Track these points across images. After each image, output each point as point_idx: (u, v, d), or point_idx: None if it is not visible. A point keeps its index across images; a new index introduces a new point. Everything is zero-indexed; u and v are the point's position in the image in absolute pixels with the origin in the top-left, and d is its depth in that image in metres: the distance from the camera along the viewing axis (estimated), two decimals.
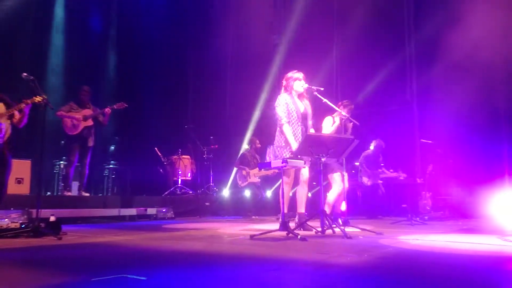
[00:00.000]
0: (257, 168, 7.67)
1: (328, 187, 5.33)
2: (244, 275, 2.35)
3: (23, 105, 4.51)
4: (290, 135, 4.59)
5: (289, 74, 4.87)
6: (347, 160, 5.31)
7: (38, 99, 4.49)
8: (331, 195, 5.21)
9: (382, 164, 7.59)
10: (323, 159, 4.21)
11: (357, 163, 8.05)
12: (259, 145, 8.08)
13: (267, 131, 7.83)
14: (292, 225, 4.48)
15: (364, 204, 7.84)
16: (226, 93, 10.46)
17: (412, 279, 2.26)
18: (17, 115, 4.56)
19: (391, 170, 7.48)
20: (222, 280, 2.21)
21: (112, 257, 3.09)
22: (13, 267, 2.65)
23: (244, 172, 7.83)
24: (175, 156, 8.48)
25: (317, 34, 8.86)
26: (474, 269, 2.58)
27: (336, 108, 4.93)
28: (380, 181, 7.50)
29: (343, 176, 5.27)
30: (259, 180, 7.88)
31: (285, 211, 4.50)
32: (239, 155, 8.11)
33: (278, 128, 4.75)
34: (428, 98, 8.10)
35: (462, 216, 6.99)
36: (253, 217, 7.50)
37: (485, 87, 7.30)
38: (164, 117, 9.63)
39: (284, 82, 4.89)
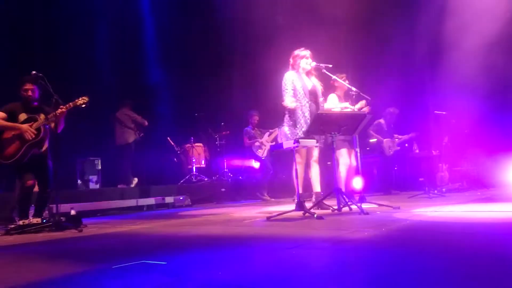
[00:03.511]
0: (267, 134, 7.77)
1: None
2: (262, 254, 2.37)
3: (58, 112, 4.34)
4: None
5: (296, 52, 4.81)
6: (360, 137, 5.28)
7: (80, 101, 4.41)
8: (340, 170, 5.19)
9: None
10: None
11: (372, 140, 7.98)
12: (257, 119, 8.03)
13: (276, 111, 7.78)
14: (308, 205, 4.48)
15: (381, 180, 7.79)
16: (234, 79, 10.40)
17: (430, 249, 2.25)
18: (52, 123, 4.47)
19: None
20: (241, 259, 2.24)
21: (132, 245, 3.15)
22: (39, 259, 2.72)
23: (257, 143, 7.80)
24: (188, 145, 8.53)
25: (325, 8, 8.69)
26: (493, 235, 2.56)
27: (346, 84, 4.88)
28: (398, 148, 7.37)
29: (350, 152, 5.24)
30: (274, 143, 7.85)
31: (300, 191, 4.51)
32: (243, 134, 8.05)
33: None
34: (441, 68, 7.93)
35: (480, 186, 6.92)
36: (268, 198, 7.53)
37: (499, 53, 7.12)
38: (174, 106, 9.64)
39: (291, 60, 4.83)
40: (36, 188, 4.61)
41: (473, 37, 7.17)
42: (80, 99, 4.48)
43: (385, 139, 7.44)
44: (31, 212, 4.54)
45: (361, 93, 4.90)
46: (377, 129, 7.44)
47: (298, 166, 4.59)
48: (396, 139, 7.40)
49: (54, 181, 4.53)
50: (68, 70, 7.72)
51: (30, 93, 4.51)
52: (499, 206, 4.10)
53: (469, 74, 7.28)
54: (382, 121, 7.45)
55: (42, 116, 4.49)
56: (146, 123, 7.82)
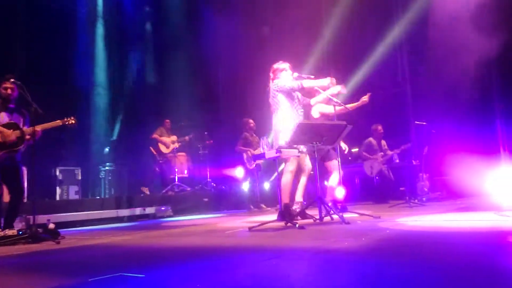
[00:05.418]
0: (259, 149, 7.61)
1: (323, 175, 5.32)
2: (242, 265, 2.35)
3: (30, 130, 4.32)
4: (313, 82, 4.61)
5: (275, 66, 4.83)
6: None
7: (70, 122, 4.48)
8: (333, 182, 5.18)
9: (385, 148, 7.50)
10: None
11: (354, 150, 8.03)
12: (252, 124, 7.97)
13: (261, 122, 7.80)
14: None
15: (363, 190, 7.85)
16: (219, 90, 10.41)
17: (410, 258, 2.26)
18: (28, 136, 4.41)
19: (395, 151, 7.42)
20: (220, 271, 2.21)
21: (111, 258, 3.09)
22: (11, 273, 2.64)
23: (249, 154, 7.69)
24: (170, 154, 8.47)
25: (306, 21, 8.80)
26: (471, 244, 2.59)
27: (329, 96, 4.90)
28: (384, 166, 7.43)
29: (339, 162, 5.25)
30: (263, 161, 7.78)
31: (287, 200, 4.51)
32: (241, 137, 7.98)
33: (275, 115, 4.71)
34: (420, 79, 8.09)
35: (459, 195, 7.01)
36: (254, 209, 7.50)
37: (476, 64, 7.30)
38: (156, 116, 9.57)
39: (271, 75, 4.86)
40: (5, 198, 4.49)
41: (453, 47, 7.34)
42: (71, 120, 4.50)
43: (365, 161, 7.54)
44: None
45: (343, 104, 4.95)
46: (366, 148, 7.53)
47: (287, 175, 4.59)
48: (381, 157, 7.44)
49: (31, 190, 4.43)
50: (47, 75, 7.59)
51: (9, 91, 4.45)
52: (477, 216, 4.17)
53: (449, 85, 7.45)
54: (371, 139, 7.54)
55: (23, 127, 4.43)
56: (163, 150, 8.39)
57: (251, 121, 7.94)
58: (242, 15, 9.74)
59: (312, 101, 5.03)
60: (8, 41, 7.36)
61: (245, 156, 7.71)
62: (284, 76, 4.74)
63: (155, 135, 8.49)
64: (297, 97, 4.77)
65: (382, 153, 7.46)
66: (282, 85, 4.66)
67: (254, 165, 7.67)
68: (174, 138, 8.57)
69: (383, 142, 7.56)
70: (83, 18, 8.88)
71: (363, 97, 5.14)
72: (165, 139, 8.50)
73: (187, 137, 8.55)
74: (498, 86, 7.52)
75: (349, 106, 5.06)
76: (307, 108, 5.21)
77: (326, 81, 4.62)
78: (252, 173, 7.80)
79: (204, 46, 10.20)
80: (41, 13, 7.91)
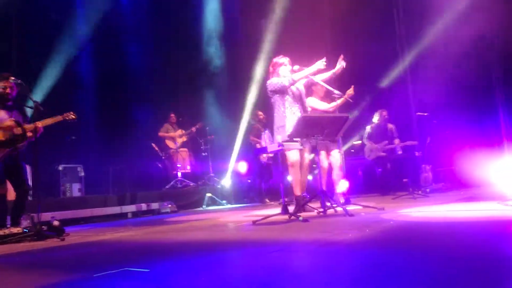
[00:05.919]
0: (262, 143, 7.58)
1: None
2: (246, 258, 2.36)
3: (31, 126, 4.32)
4: (304, 71, 4.53)
5: (275, 60, 4.82)
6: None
7: (70, 117, 4.48)
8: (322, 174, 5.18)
9: (392, 132, 7.39)
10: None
11: (356, 142, 8.02)
12: (262, 116, 7.88)
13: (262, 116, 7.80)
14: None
15: (366, 182, 7.84)
16: (218, 85, 10.38)
17: (414, 249, 2.26)
18: (30, 133, 4.40)
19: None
20: (225, 264, 2.22)
21: (115, 253, 3.10)
22: (16, 270, 2.65)
23: (260, 145, 7.63)
24: (173, 150, 8.47)
25: (309, 15, 8.75)
26: (475, 234, 2.59)
27: (329, 87, 4.89)
28: (383, 154, 7.35)
29: (328, 154, 5.22)
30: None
31: (298, 193, 4.49)
32: (249, 128, 7.91)
33: (276, 110, 4.70)
34: (422, 70, 8.05)
35: (463, 185, 7.00)
36: (259, 203, 7.51)
37: (477, 55, 7.26)
38: (157, 112, 9.56)
39: (270, 69, 4.84)
40: (11, 196, 4.50)
41: (452, 35, 7.31)
42: (71, 115, 4.50)
43: (366, 146, 7.51)
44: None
45: (344, 96, 4.93)
46: (368, 134, 7.48)
47: (291, 168, 4.58)
48: (384, 145, 7.38)
49: (35, 188, 4.45)
50: (47, 71, 7.57)
51: (8, 90, 4.43)
52: (481, 206, 4.16)
53: (451, 74, 7.41)
54: (374, 124, 7.48)
55: (26, 124, 4.43)
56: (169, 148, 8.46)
57: (260, 113, 7.91)
58: (244, 3, 9.69)
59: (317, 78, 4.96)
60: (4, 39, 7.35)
61: (258, 147, 7.66)
62: (282, 71, 4.71)
63: (161, 133, 8.52)
64: (292, 94, 4.71)
65: (386, 141, 7.35)
66: (273, 84, 4.64)
67: (266, 158, 7.61)
68: (180, 132, 8.61)
69: (390, 126, 7.38)
70: (80, 12, 8.85)
71: (348, 90, 5.09)
72: (172, 134, 8.55)
73: (193, 128, 8.54)
74: (501, 76, 7.47)
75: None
76: (312, 88, 5.21)
77: (318, 64, 4.50)
78: (262, 166, 7.76)
79: (203, 39, 10.19)
80: (34, 9, 7.88)
